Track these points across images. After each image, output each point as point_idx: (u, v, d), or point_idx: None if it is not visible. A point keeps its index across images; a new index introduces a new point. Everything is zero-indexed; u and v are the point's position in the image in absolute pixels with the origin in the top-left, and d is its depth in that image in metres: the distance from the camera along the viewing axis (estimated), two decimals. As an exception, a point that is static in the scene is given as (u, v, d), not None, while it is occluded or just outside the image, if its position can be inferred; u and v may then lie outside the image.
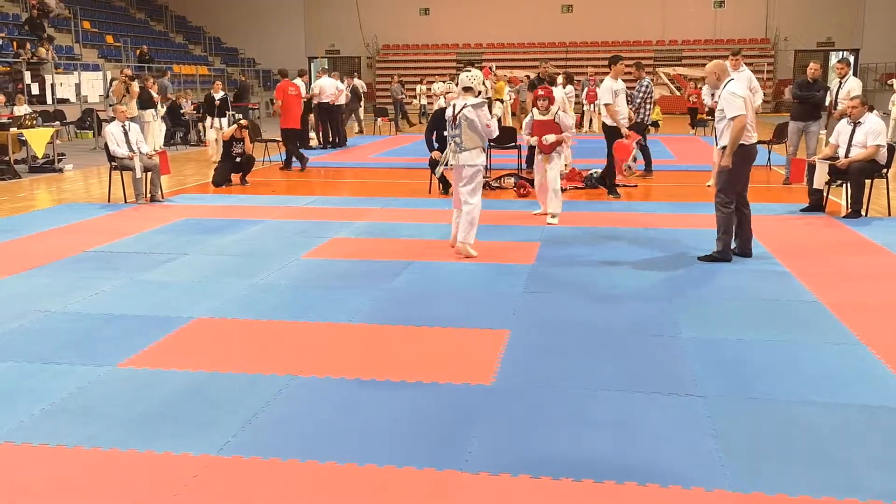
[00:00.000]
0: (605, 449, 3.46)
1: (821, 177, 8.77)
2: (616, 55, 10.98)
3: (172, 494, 3.12)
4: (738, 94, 6.51)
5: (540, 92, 8.64)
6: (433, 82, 23.88)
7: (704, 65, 7.53)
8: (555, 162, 8.58)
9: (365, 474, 3.26)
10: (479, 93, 7.11)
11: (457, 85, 7.47)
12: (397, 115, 23.57)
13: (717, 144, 6.93)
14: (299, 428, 3.70)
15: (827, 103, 11.19)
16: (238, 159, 11.86)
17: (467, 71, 7.18)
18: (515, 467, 3.29)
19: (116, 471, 3.32)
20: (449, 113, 7.08)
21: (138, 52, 25.05)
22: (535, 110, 8.75)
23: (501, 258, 6.97)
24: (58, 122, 17.44)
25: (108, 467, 3.35)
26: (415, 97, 26.27)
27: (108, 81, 18.79)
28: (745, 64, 11.06)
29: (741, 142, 6.54)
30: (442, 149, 10.45)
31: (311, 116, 17.68)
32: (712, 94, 10.74)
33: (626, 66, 10.72)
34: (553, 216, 8.56)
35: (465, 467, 3.31)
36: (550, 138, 8.44)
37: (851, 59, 30.10)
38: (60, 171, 13.67)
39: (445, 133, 7.26)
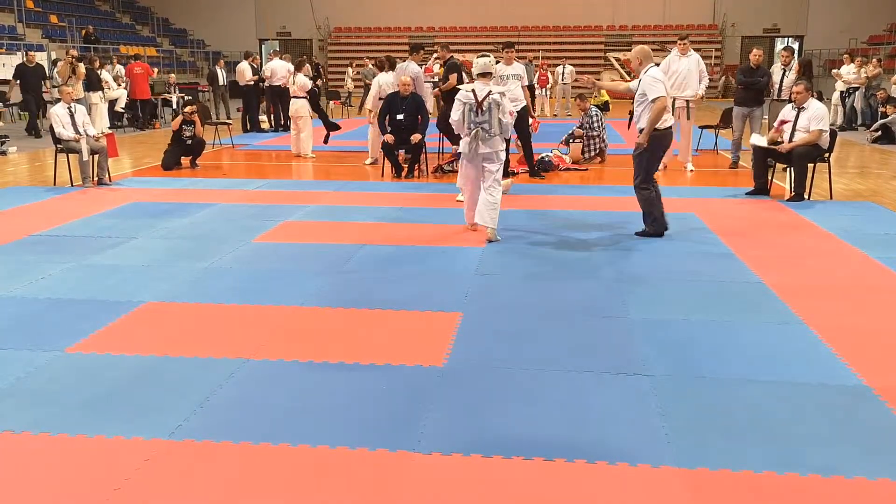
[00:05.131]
0: (556, 428, 3.53)
1: (760, 140, 9.11)
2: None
3: (124, 479, 3.11)
4: (659, 80, 6.91)
5: None
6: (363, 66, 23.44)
7: (655, 50, 7.69)
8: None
9: (318, 456, 3.28)
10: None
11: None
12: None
13: (637, 127, 7.12)
14: (252, 411, 3.70)
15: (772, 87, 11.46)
16: (189, 142, 11.71)
17: (484, 56, 7.09)
18: (467, 447, 3.34)
19: (66, 456, 3.29)
20: (468, 97, 6.90)
21: (84, 32, 24.49)
22: None
23: (453, 241, 7.01)
24: (0, 104, 17.00)
25: (57, 452, 3.32)
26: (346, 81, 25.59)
27: (53, 62, 18.36)
28: (694, 50, 11.21)
29: (659, 125, 6.88)
30: (393, 132, 10.47)
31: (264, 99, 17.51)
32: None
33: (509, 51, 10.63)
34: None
35: (418, 447, 3.34)
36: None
37: (796, 46, 30.72)
38: (3, 153, 13.34)
39: (466, 120, 6.91)
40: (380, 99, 11.47)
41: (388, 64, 12.08)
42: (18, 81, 16.20)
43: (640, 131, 6.98)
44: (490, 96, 6.86)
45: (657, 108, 6.82)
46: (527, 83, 10.59)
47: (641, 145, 6.95)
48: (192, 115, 11.72)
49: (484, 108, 6.84)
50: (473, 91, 6.93)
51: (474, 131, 6.87)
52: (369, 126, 12.16)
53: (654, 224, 7.16)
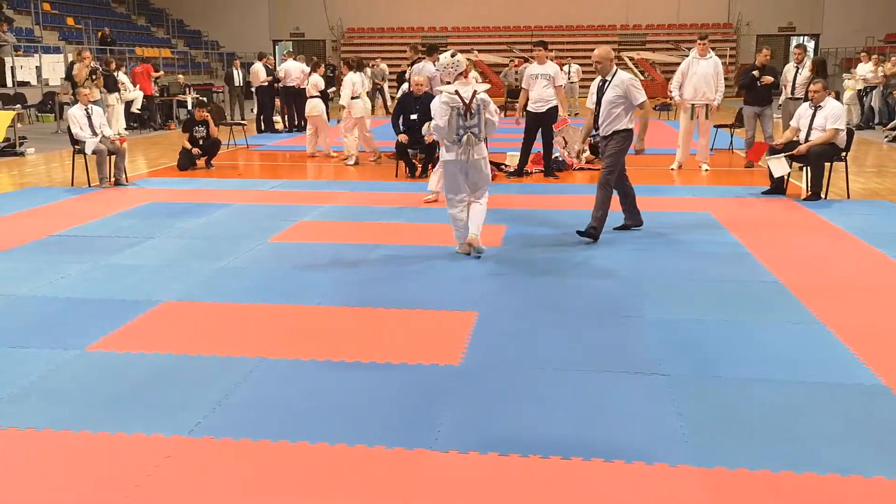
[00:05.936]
0: (572, 427, 3.53)
1: (780, 168, 8.88)
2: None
3: (145, 475, 3.14)
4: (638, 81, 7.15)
5: None
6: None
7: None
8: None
9: (335, 454, 3.30)
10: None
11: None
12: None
13: (600, 130, 7.15)
14: (270, 409, 3.73)
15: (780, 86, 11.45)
16: (202, 143, 11.76)
17: (453, 55, 6.48)
18: (484, 445, 3.35)
19: (87, 453, 3.33)
20: (454, 100, 6.27)
21: (100, 34, 24.63)
22: None
23: (469, 241, 7.01)
24: (19, 105, 17.15)
25: (78, 450, 3.36)
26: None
27: (70, 64, 18.49)
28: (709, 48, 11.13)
29: (628, 126, 6.99)
30: (407, 132, 10.48)
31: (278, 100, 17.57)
32: None
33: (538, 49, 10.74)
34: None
35: (435, 446, 3.36)
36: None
37: (811, 45, 30.57)
38: (22, 154, 13.45)
39: (445, 122, 6.31)
40: (353, 98, 11.76)
41: (358, 64, 12.25)
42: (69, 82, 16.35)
43: (614, 133, 6.97)
44: (477, 96, 6.31)
45: (649, 111, 7.11)
46: (559, 83, 10.50)
47: (642, 150, 7.15)
48: (202, 115, 11.77)
49: (473, 111, 6.28)
50: (458, 92, 6.31)
51: (464, 136, 6.29)
52: (348, 123, 12.16)
53: (598, 223, 6.96)
